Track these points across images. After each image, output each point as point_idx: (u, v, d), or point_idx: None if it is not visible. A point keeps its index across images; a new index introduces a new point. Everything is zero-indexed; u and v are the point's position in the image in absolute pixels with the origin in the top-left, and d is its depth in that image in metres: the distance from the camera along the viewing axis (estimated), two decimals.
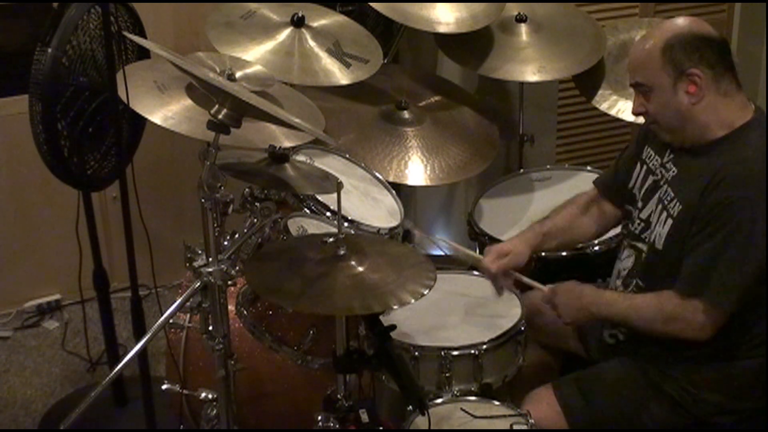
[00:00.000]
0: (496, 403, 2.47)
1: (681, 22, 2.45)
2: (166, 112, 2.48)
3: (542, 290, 2.61)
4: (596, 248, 2.95)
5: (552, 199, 3.23)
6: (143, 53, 2.97)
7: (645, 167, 2.57)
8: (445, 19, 3.15)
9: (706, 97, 2.38)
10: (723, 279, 2.32)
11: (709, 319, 2.34)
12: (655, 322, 2.41)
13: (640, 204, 2.57)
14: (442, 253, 3.08)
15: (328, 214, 2.75)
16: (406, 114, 3.22)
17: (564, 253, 2.93)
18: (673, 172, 2.48)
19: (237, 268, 2.34)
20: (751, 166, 2.34)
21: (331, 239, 2.29)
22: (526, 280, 2.65)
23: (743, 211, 2.31)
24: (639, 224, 2.56)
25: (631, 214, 2.61)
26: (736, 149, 2.37)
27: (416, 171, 3.10)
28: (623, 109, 3.26)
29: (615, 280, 2.63)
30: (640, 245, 2.55)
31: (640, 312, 2.44)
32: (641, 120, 2.55)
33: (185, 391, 2.66)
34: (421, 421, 2.32)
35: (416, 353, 2.55)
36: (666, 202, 2.47)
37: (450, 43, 3.33)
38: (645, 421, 2.51)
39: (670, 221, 2.44)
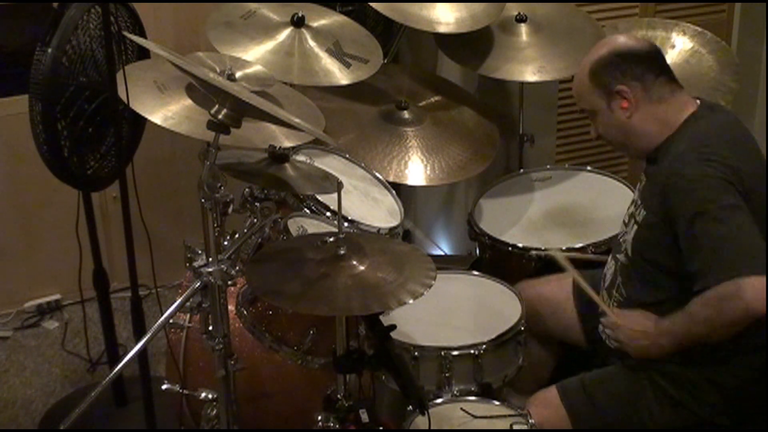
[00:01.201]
0: (496, 403, 2.48)
1: (602, 45, 2.56)
2: (166, 112, 2.48)
3: (609, 315, 2.54)
4: (596, 248, 2.94)
5: (552, 199, 3.23)
6: (143, 53, 2.97)
7: (637, 187, 2.62)
8: (445, 19, 3.15)
9: (639, 108, 2.48)
10: (734, 250, 2.28)
11: (752, 289, 2.24)
12: (711, 319, 2.32)
13: (626, 219, 2.61)
14: (442, 253, 3.08)
15: (328, 214, 2.75)
16: (406, 114, 3.22)
17: (564, 253, 2.93)
18: (642, 182, 2.56)
19: (237, 268, 2.34)
20: (686, 157, 2.38)
21: (331, 239, 2.29)
22: (594, 296, 2.58)
23: (697, 192, 2.32)
24: (621, 238, 2.60)
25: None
26: (674, 147, 2.43)
27: (416, 171, 3.10)
28: None
29: (602, 290, 2.65)
30: (619, 255, 2.59)
31: (694, 317, 2.35)
32: None
33: (185, 391, 2.66)
34: (421, 421, 2.32)
35: (416, 353, 2.55)
36: (634, 210, 2.53)
37: (450, 43, 3.33)
38: (647, 421, 2.51)
39: (635, 227, 2.50)
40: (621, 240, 2.60)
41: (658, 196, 2.42)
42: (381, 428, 2.46)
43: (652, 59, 2.50)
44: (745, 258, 2.27)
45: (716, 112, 2.52)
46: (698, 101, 2.52)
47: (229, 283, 2.34)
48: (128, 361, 2.29)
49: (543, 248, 2.94)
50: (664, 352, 2.42)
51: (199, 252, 2.34)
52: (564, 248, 2.96)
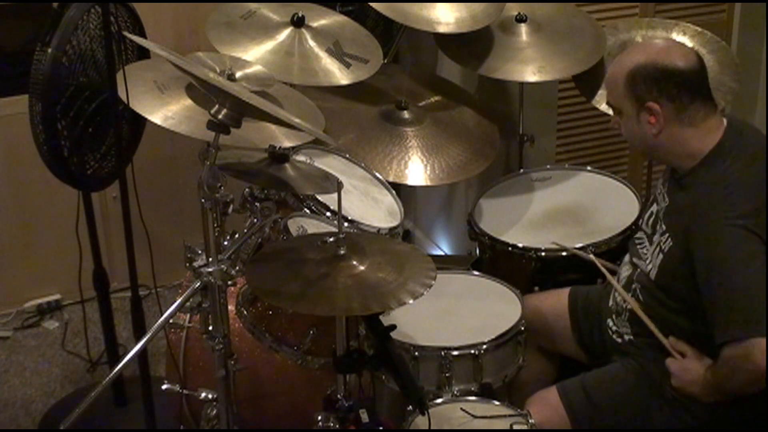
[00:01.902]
0: (496, 403, 2.48)
1: (648, 49, 2.47)
2: (166, 112, 2.48)
3: (668, 349, 2.49)
4: (596, 248, 2.94)
5: (552, 199, 3.23)
6: (143, 53, 2.97)
7: (659, 192, 2.60)
8: (445, 19, 3.14)
9: (666, 129, 2.42)
10: (743, 311, 2.27)
11: (761, 352, 2.24)
12: (730, 377, 2.33)
13: (647, 229, 2.58)
14: (442, 253, 3.08)
15: (328, 214, 2.75)
16: (406, 114, 3.22)
17: (564, 253, 2.93)
18: (666, 203, 2.52)
19: (237, 268, 2.33)
20: (710, 203, 2.35)
21: (331, 239, 2.29)
22: (654, 329, 2.51)
23: (718, 243, 2.30)
24: (641, 246, 2.58)
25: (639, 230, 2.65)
26: (699, 184, 2.39)
27: (416, 171, 3.10)
28: None
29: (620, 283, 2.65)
30: (638, 262, 2.57)
31: (718, 374, 2.35)
32: None
33: (185, 391, 2.66)
34: (421, 421, 2.32)
35: (416, 353, 2.56)
36: (660, 235, 2.50)
37: (450, 43, 3.33)
38: (646, 421, 2.51)
39: (661, 256, 2.47)
40: (641, 251, 2.57)
41: (682, 234, 2.39)
42: (381, 428, 2.46)
43: (693, 81, 2.40)
44: (756, 317, 2.26)
45: (742, 136, 2.44)
46: (725, 121, 2.45)
47: (229, 283, 2.34)
48: (128, 361, 2.29)
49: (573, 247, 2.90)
50: (711, 400, 2.42)
51: (199, 252, 2.34)
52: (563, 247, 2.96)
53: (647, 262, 2.53)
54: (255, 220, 2.68)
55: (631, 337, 2.58)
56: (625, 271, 2.64)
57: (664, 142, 2.43)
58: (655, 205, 2.58)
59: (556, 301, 2.82)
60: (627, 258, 2.66)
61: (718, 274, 2.30)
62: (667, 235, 2.46)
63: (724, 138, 2.42)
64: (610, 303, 2.67)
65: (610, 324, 2.65)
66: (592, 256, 2.81)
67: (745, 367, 2.26)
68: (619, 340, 2.61)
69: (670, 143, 2.43)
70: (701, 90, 2.43)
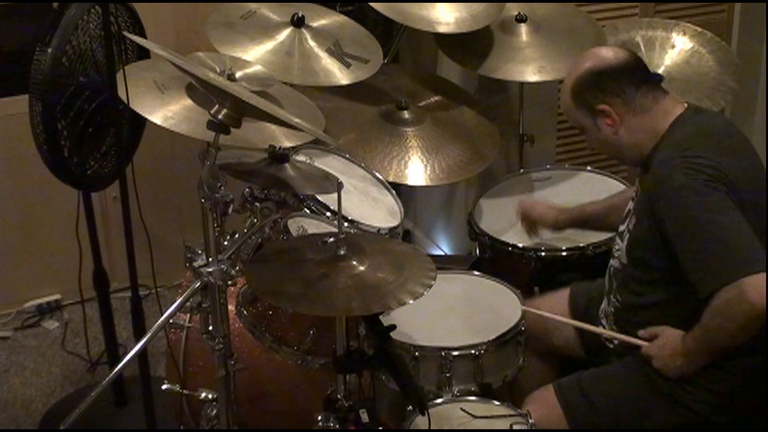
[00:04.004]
0: (496, 403, 2.48)
1: (579, 63, 2.53)
2: (166, 112, 2.48)
3: (642, 349, 2.49)
4: (596, 248, 2.94)
5: (552, 199, 3.23)
6: (143, 53, 2.97)
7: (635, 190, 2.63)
8: (445, 19, 3.15)
9: (624, 122, 2.48)
10: (725, 257, 2.27)
11: (754, 288, 2.23)
12: (724, 326, 2.31)
13: (621, 227, 2.61)
14: (442, 253, 3.08)
15: (328, 214, 2.75)
16: (406, 114, 3.22)
17: (564, 253, 2.94)
18: (636, 191, 2.56)
19: (237, 268, 2.34)
20: (670, 163, 2.37)
21: (331, 239, 2.29)
22: (624, 338, 2.54)
23: (683, 199, 2.32)
24: (615, 245, 2.61)
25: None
26: (659, 154, 2.43)
27: (416, 171, 3.10)
28: None
29: (604, 297, 2.66)
30: (613, 261, 2.61)
31: (709, 328, 2.34)
32: None
33: (185, 391, 2.66)
34: (421, 421, 2.32)
35: (416, 353, 2.55)
36: (628, 218, 2.54)
37: (450, 43, 3.33)
38: (644, 420, 2.51)
39: (628, 235, 2.51)
40: (615, 249, 2.60)
41: (646, 203, 2.43)
42: (381, 428, 2.46)
43: (630, 72, 2.48)
44: (741, 258, 2.26)
45: (701, 114, 2.51)
46: (686, 104, 2.50)
47: (229, 283, 2.34)
48: (128, 361, 2.29)
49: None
50: (699, 366, 2.41)
51: (199, 252, 2.34)
52: (564, 248, 2.96)
53: (619, 251, 2.56)
54: (255, 220, 2.68)
55: (618, 345, 2.59)
56: (606, 275, 2.65)
57: (625, 137, 2.48)
58: (631, 202, 2.61)
59: (556, 302, 2.82)
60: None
61: (691, 229, 2.31)
62: (633, 215, 2.50)
63: (683, 113, 2.47)
64: (600, 308, 2.68)
65: (604, 323, 2.66)
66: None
67: (741, 308, 2.24)
68: (611, 345, 2.62)
69: (631, 136, 2.48)
70: (641, 76, 2.49)
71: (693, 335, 2.38)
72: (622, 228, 2.60)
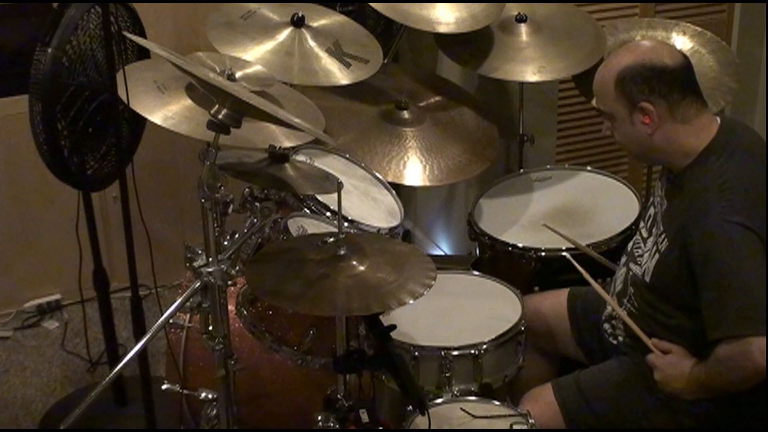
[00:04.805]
0: (496, 403, 2.48)
1: (635, 50, 2.46)
2: (166, 112, 2.48)
3: (650, 355, 2.48)
4: (596, 248, 2.94)
5: (552, 199, 3.23)
6: (143, 53, 2.97)
7: (656, 195, 2.59)
8: (445, 19, 3.14)
9: (661, 127, 2.41)
10: (740, 309, 2.26)
11: (759, 349, 2.23)
12: (724, 375, 2.32)
13: (644, 232, 2.58)
14: (442, 253, 3.08)
15: (328, 214, 2.75)
16: (406, 114, 3.22)
17: (564, 253, 2.93)
18: (664, 205, 2.51)
19: (237, 268, 2.34)
20: (707, 200, 2.33)
21: (331, 239, 2.29)
22: (638, 331, 2.50)
23: (715, 239, 2.29)
24: (637, 250, 2.58)
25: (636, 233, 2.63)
26: (696, 181, 2.38)
27: (415, 171, 3.10)
28: None
29: (612, 295, 2.64)
30: (633, 267, 2.56)
31: (712, 371, 2.34)
32: None
33: (185, 391, 2.66)
34: (421, 421, 2.32)
35: (416, 353, 2.55)
36: (657, 236, 2.49)
37: (450, 43, 3.33)
38: (642, 421, 2.51)
39: (657, 256, 2.46)
40: (637, 255, 2.57)
41: (679, 233, 2.38)
42: (381, 428, 2.46)
43: (682, 77, 2.40)
44: (755, 315, 2.24)
45: (737, 135, 2.44)
46: (718, 119, 2.45)
47: (229, 283, 2.34)
48: (128, 361, 2.29)
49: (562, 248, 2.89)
50: (694, 397, 2.41)
51: (199, 252, 2.34)
52: (564, 248, 2.96)
53: (643, 264, 2.53)
54: (255, 220, 2.68)
55: (626, 338, 2.58)
56: (620, 275, 2.64)
57: (659, 141, 2.43)
58: (652, 207, 2.58)
59: (555, 301, 2.82)
60: (623, 261, 2.66)
61: (715, 272, 2.29)
62: (663, 236, 2.45)
63: (718, 135, 2.42)
64: (605, 312, 2.67)
65: (606, 327, 2.65)
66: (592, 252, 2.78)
67: (742, 364, 2.26)
68: (615, 341, 2.61)
69: (665, 142, 2.43)
70: (691, 86, 2.42)
71: (699, 369, 2.37)
72: (645, 234, 2.57)
